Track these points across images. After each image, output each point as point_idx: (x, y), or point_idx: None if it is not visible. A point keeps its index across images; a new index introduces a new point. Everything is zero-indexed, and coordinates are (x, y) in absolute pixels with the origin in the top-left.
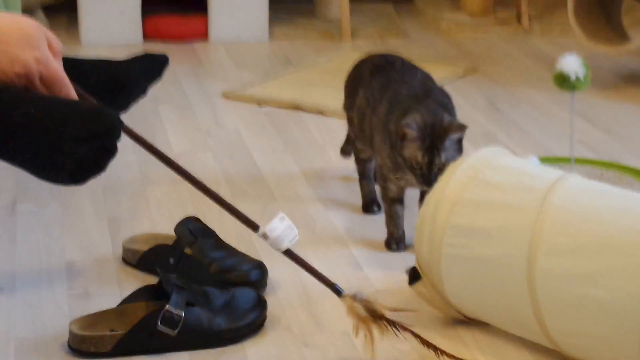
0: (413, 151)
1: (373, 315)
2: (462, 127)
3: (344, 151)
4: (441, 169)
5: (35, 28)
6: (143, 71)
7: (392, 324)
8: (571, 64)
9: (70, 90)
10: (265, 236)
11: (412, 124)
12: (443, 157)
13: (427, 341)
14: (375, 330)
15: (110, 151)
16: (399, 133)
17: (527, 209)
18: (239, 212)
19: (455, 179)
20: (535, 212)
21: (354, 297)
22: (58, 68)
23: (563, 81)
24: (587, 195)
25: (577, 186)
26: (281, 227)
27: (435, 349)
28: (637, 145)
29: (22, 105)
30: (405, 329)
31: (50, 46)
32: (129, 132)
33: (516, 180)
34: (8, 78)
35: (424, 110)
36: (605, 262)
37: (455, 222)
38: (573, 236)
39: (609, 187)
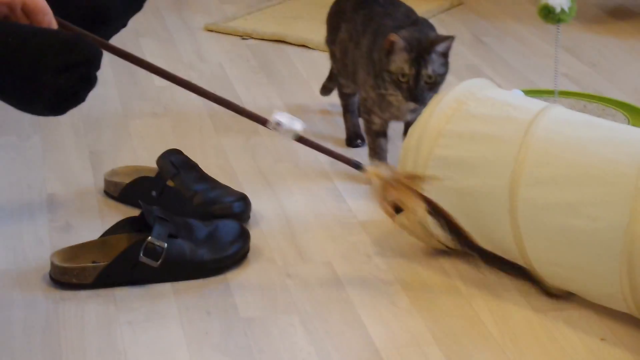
0: (400, 63)
1: (394, 182)
2: (448, 38)
3: (325, 88)
4: (428, 83)
5: None
6: (124, 2)
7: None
8: None
9: (52, 20)
10: (278, 125)
11: (399, 35)
12: (430, 69)
13: (440, 209)
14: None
15: (89, 81)
16: (386, 45)
17: (510, 140)
18: (244, 109)
19: (438, 110)
20: (518, 143)
21: (375, 164)
22: None
23: (548, 13)
24: (570, 126)
25: (560, 117)
26: (285, 116)
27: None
28: (621, 78)
29: (0, 35)
30: (419, 195)
31: None
32: (118, 51)
33: (499, 111)
34: None
35: (410, 29)
36: (587, 192)
37: (439, 154)
38: (555, 166)
39: (592, 119)
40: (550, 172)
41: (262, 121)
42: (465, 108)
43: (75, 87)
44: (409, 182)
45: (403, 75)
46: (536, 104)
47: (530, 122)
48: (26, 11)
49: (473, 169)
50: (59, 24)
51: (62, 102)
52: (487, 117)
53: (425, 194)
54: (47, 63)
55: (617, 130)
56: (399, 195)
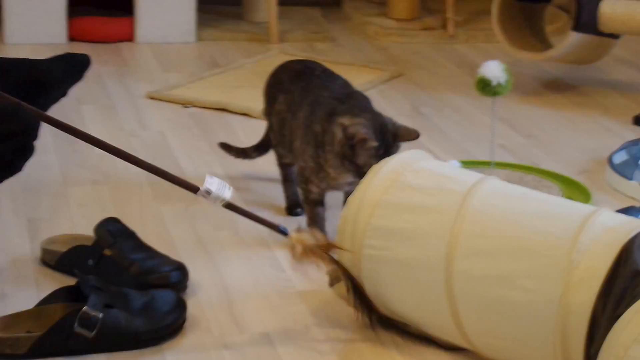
0: (367, 158)
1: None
2: (413, 134)
3: (246, 154)
4: None
5: None
6: (64, 71)
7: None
8: (493, 69)
9: None
10: (207, 192)
11: (370, 131)
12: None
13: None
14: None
15: (27, 151)
16: (355, 139)
17: (446, 211)
18: (175, 177)
19: (376, 181)
20: (454, 215)
21: (299, 231)
22: None
23: (484, 86)
24: (506, 199)
25: (495, 189)
26: (216, 182)
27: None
28: (556, 149)
29: None
30: (333, 261)
31: None
32: (54, 121)
33: (436, 183)
34: None
35: (365, 113)
36: (522, 264)
37: (376, 224)
38: (491, 238)
39: (528, 191)
40: (486, 244)
41: (193, 189)
42: (402, 179)
43: (12, 156)
44: (326, 249)
45: (367, 167)
46: (472, 175)
47: (466, 194)
48: None
49: (409, 239)
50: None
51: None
52: (424, 189)
53: (361, 261)
54: None
55: (551, 203)
56: (314, 260)
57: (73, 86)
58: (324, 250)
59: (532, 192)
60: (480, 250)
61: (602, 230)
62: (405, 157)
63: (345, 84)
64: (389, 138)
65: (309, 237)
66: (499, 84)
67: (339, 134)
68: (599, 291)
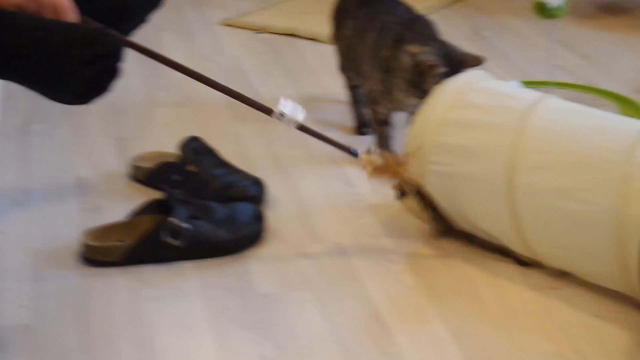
0: (435, 84)
1: (387, 165)
2: (479, 60)
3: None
4: None
5: None
6: (141, 3)
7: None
8: None
9: (75, 16)
10: (282, 115)
11: (439, 59)
12: None
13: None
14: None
15: (113, 72)
16: (424, 66)
17: (507, 128)
18: (251, 100)
19: (440, 101)
20: (514, 131)
21: (368, 152)
22: None
23: (542, 9)
24: (564, 116)
25: (555, 107)
26: (290, 105)
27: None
28: (612, 70)
29: (31, 29)
30: (403, 178)
31: None
32: (135, 46)
33: (497, 101)
34: (16, 4)
35: (432, 42)
36: (580, 177)
37: (441, 141)
38: (550, 153)
39: (585, 108)
40: (545, 158)
41: (268, 111)
42: (465, 98)
43: (99, 78)
44: (397, 167)
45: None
46: (532, 94)
47: (527, 111)
48: (52, 8)
49: (473, 155)
50: (82, 20)
51: (88, 92)
52: (486, 107)
53: (427, 176)
54: (73, 55)
55: (607, 119)
56: (387, 178)
57: (153, 13)
58: (393, 169)
59: (589, 109)
60: (540, 164)
61: None
62: (467, 77)
63: (409, 9)
64: (456, 65)
65: (378, 158)
66: (556, 7)
67: (407, 61)
68: None
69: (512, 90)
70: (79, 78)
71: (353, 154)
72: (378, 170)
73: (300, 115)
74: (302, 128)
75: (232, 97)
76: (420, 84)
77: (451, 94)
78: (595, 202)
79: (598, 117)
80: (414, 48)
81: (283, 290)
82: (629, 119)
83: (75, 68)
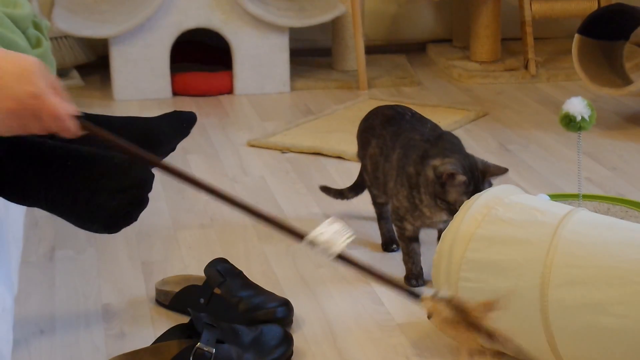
0: (458, 195)
1: (462, 318)
2: (502, 170)
3: (343, 195)
4: None
5: (32, 64)
6: (172, 128)
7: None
8: (576, 105)
9: (74, 123)
10: (313, 243)
11: (459, 168)
12: None
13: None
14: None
15: (141, 203)
16: (444, 176)
17: (538, 242)
18: (283, 223)
19: (469, 216)
20: (546, 246)
21: (435, 296)
22: (56, 103)
23: (569, 122)
24: (596, 229)
25: (585, 220)
26: (330, 230)
27: None
28: (633, 182)
29: (60, 158)
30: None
31: (52, 85)
32: (168, 168)
33: (527, 215)
34: (9, 108)
35: (455, 154)
36: (614, 292)
37: (471, 257)
38: (582, 268)
39: (615, 220)
40: (578, 273)
41: (300, 236)
42: (494, 213)
43: (128, 208)
44: (470, 316)
45: (460, 204)
46: (562, 207)
47: (557, 225)
48: (51, 117)
49: (504, 271)
50: (117, 145)
51: (116, 221)
52: (516, 221)
53: (458, 294)
54: (103, 186)
55: (638, 231)
56: (460, 336)
57: (181, 141)
58: (469, 321)
59: (620, 221)
60: (573, 279)
61: None
62: (496, 191)
63: (435, 127)
64: (479, 175)
65: (444, 308)
66: (583, 119)
67: (430, 174)
68: None
69: (542, 204)
70: (108, 209)
71: (415, 296)
72: (448, 323)
73: (338, 246)
74: (343, 258)
75: (262, 220)
76: (443, 195)
77: (480, 209)
78: (631, 316)
79: (629, 229)
80: (437, 162)
81: None
82: None
83: (104, 199)
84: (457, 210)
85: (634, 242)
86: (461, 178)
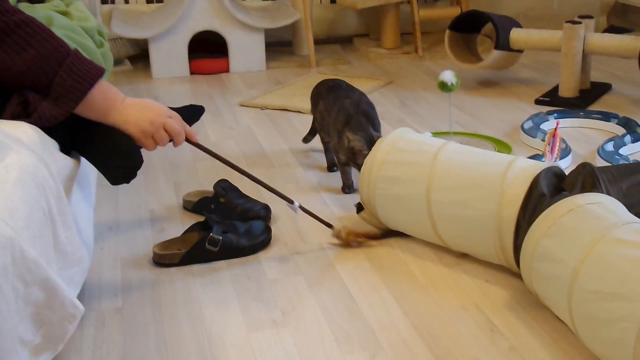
0: (362, 160)
1: (350, 236)
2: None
3: (306, 139)
4: None
5: (153, 104)
6: (188, 116)
7: (358, 241)
8: (447, 75)
9: (182, 139)
10: (295, 209)
11: (364, 144)
12: None
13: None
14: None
15: (133, 176)
16: (355, 149)
17: (424, 163)
18: (275, 190)
19: (381, 147)
20: (429, 165)
21: (340, 227)
22: (171, 124)
23: (443, 86)
24: (460, 154)
25: (454, 149)
26: (296, 207)
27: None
28: (489, 122)
29: (90, 134)
30: (361, 242)
31: (165, 114)
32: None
33: (417, 147)
34: (142, 129)
35: (362, 132)
36: (472, 193)
37: (383, 174)
38: (453, 179)
39: (473, 149)
40: (450, 182)
41: (289, 200)
42: (397, 146)
43: (124, 178)
44: (355, 235)
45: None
46: (439, 141)
47: (436, 152)
48: (176, 136)
49: (404, 182)
50: (205, 150)
51: (117, 182)
52: (410, 151)
53: (375, 198)
54: (112, 160)
55: (488, 155)
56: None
57: (195, 123)
58: (352, 237)
59: (476, 149)
60: (446, 186)
61: (520, 170)
62: (398, 132)
63: (360, 94)
64: (374, 143)
65: (344, 229)
66: (452, 84)
67: (346, 143)
68: (520, 206)
69: (426, 139)
70: (113, 174)
71: (329, 225)
72: (347, 235)
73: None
74: (302, 209)
75: (261, 186)
76: (353, 158)
77: (388, 143)
78: (483, 209)
79: (481, 154)
80: (350, 135)
81: (285, 277)
82: (501, 154)
83: (111, 168)
84: (360, 165)
85: (484, 161)
86: (365, 152)
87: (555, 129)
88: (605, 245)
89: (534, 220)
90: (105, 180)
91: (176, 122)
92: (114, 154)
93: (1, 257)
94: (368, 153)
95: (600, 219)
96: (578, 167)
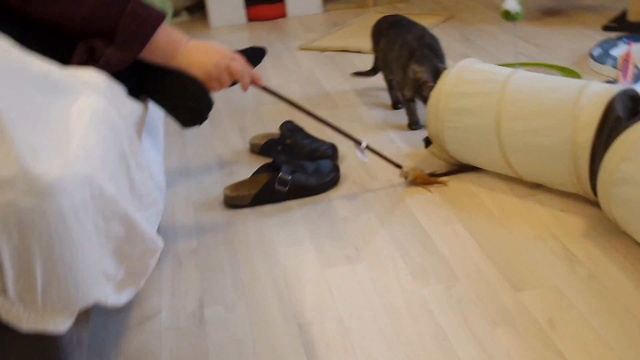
0: (428, 92)
1: (418, 179)
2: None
3: (364, 73)
4: None
5: (217, 46)
6: (251, 58)
7: (427, 181)
8: (511, 3)
9: (247, 80)
10: (362, 149)
11: (429, 76)
12: None
13: (440, 181)
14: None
15: (204, 118)
16: (420, 81)
17: (493, 93)
18: (342, 130)
19: (448, 79)
20: (498, 94)
21: (408, 169)
22: (235, 66)
23: (507, 15)
24: (530, 81)
25: (523, 76)
26: (362, 153)
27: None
28: (556, 51)
29: (165, 79)
30: (431, 182)
31: (230, 56)
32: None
33: (485, 76)
34: (207, 71)
35: (428, 63)
36: (544, 121)
37: (451, 106)
38: (523, 107)
39: (543, 75)
40: (520, 110)
41: (357, 142)
42: (464, 76)
43: (196, 119)
44: (425, 176)
45: (428, 96)
46: (507, 70)
47: (504, 80)
48: (230, 75)
49: (472, 113)
50: (275, 95)
51: (188, 124)
52: (478, 81)
53: (444, 131)
54: (183, 103)
55: (558, 81)
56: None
57: (259, 64)
58: (421, 179)
59: (545, 75)
60: (517, 114)
61: (593, 93)
62: (463, 62)
63: (422, 28)
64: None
65: (414, 170)
66: (516, 13)
67: (411, 75)
68: (595, 131)
69: (494, 68)
70: (185, 117)
71: (398, 166)
72: (415, 177)
73: (363, 156)
74: (369, 149)
75: (327, 127)
76: (419, 90)
77: (454, 74)
78: (556, 136)
79: (552, 80)
80: (415, 67)
81: (355, 213)
82: (572, 79)
83: (183, 110)
84: (428, 98)
85: (555, 87)
86: (430, 84)
87: (628, 53)
88: None
89: (610, 145)
90: (173, 128)
91: (240, 65)
92: (183, 96)
93: (81, 194)
94: (434, 85)
95: None
96: None
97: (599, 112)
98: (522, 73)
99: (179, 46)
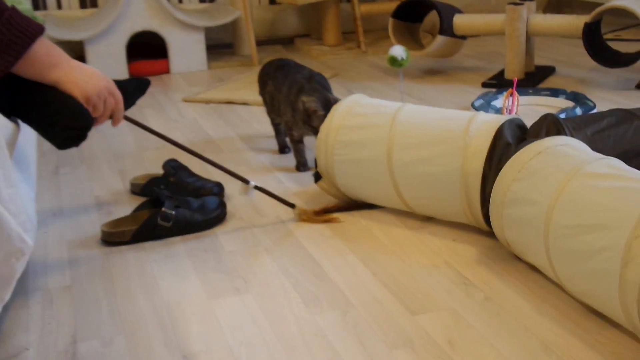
0: (318, 122)
1: (310, 216)
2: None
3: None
4: None
5: (101, 74)
6: (135, 88)
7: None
8: (397, 50)
9: (121, 107)
10: (250, 189)
11: (319, 105)
12: None
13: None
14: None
15: (83, 138)
16: (309, 110)
17: (383, 125)
18: (228, 169)
19: (337, 113)
20: (388, 126)
21: (302, 210)
22: (116, 97)
23: (394, 61)
24: (420, 113)
25: (412, 109)
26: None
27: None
28: (441, 105)
29: (37, 97)
30: (324, 221)
31: (115, 90)
32: (128, 119)
33: (375, 110)
34: (87, 96)
35: (317, 93)
36: (435, 150)
37: (340, 139)
38: (413, 137)
39: (432, 108)
40: (411, 140)
41: (245, 181)
42: (353, 110)
43: (73, 140)
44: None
45: (318, 127)
46: (397, 104)
47: (395, 113)
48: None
49: (363, 145)
50: (147, 129)
51: (65, 146)
52: (368, 114)
53: (334, 165)
54: (58, 122)
55: (447, 113)
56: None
57: (139, 99)
58: (312, 218)
59: (435, 108)
60: (408, 144)
61: (482, 122)
62: (354, 97)
63: (310, 71)
64: (331, 106)
65: (304, 212)
66: (402, 59)
67: (301, 107)
68: (485, 158)
69: (383, 102)
70: (60, 137)
71: (291, 206)
72: (306, 216)
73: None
74: (258, 188)
75: (213, 166)
76: (309, 122)
77: (344, 108)
78: (447, 164)
79: (441, 112)
80: (304, 98)
81: (243, 248)
82: (461, 111)
83: (59, 130)
84: (318, 129)
85: (445, 118)
86: (321, 113)
87: (513, 88)
88: (579, 180)
89: (500, 170)
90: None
91: (119, 98)
92: (61, 114)
93: None
94: (325, 115)
95: (571, 157)
96: (541, 118)
97: (488, 140)
98: (412, 106)
99: (60, 61)
